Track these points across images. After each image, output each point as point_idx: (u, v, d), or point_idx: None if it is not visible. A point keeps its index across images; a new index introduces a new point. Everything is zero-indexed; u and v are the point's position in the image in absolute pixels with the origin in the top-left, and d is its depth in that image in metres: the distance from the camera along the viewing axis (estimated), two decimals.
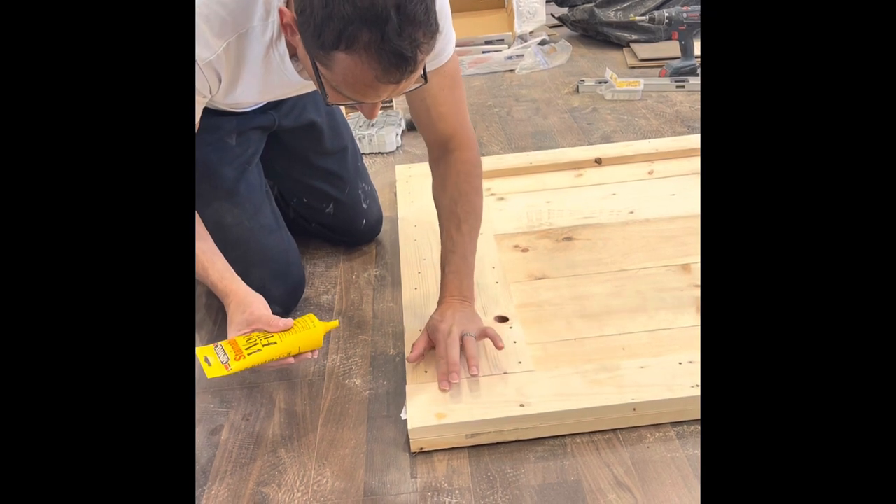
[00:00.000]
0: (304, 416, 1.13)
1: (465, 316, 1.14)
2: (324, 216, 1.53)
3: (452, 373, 1.07)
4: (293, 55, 1.02)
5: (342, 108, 2.23)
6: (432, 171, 1.23)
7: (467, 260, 1.18)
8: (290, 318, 1.05)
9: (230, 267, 1.10)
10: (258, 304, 1.06)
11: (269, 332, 1.02)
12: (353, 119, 2.15)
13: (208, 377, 0.98)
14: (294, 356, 1.04)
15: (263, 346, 1.00)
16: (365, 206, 1.54)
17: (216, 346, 1.01)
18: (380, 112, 2.28)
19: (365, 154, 2.03)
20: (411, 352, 1.14)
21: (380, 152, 2.06)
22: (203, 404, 1.17)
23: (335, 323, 1.11)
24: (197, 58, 0.97)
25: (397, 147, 2.07)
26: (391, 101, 2.28)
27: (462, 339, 1.10)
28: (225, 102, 1.14)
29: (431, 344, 1.14)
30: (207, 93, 1.04)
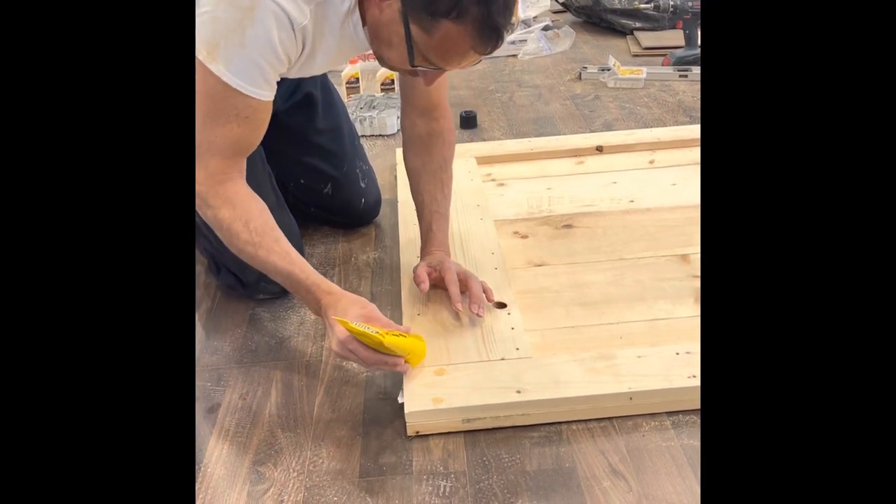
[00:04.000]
0: (302, 396, 1.13)
1: (456, 264, 1.23)
2: (322, 197, 1.52)
3: (478, 305, 1.16)
4: (364, 22, 1.04)
5: (343, 91, 2.22)
6: (413, 138, 1.30)
7: (448, 220, 1.30)
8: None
9: None
10: (373, 306, 1.08)
11: (390, 331, 1.03)
12: (354, 101, 2.15)
13: (373, 337, 0.98)
14: (406, 361, 1.06)
15: (395, 336, 1.02)
16: (363, 185, 1.54)
17: (358, 323, 1.01)
18: (381, 94, 2.27)
19: (365, 136, 2.03)
20: (420, 283, 1.19)
21: (380, 135, 2.05)
22: (200, 382, 1.17)
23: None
24: (292, 20, 0.98)
25: (398, 130, 2.06)
26: (394, 83, 2.27)
27: (467, 280, 1.19)
28: (290, 75, 1.13)
29: (435, 277, 1.20)
30: (289, 62, 1.03)
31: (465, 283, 1.19)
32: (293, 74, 1.12)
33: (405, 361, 1.05)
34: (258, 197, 1.11)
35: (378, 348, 1.01)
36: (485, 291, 1.19)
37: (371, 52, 1.07)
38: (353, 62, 2.27)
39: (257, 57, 0.98)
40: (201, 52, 0.97)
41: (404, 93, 1.30)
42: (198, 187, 1.06)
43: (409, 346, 1.05)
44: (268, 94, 1.04)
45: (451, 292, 1.17)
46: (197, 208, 1.08)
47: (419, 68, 1.00)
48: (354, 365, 1.18)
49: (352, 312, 1.04)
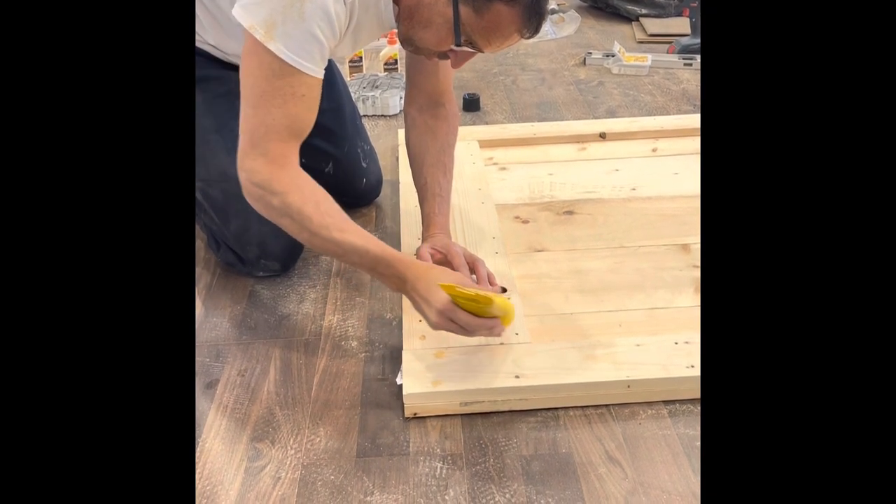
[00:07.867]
0: (300, 375, 1.13)
1: (461, 248, 1.23)
2: (323, 177, 1.51)
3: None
4: (396, 1, 1.04)
5: (346, 71, 2.20)
6: (417, 121, 1.31)
7: (449, 203, 1.31)
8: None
9: None
10: (459, 273, 1.08)
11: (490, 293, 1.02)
12: (357, 80, 2.13)
13: (482, 299, 0.98)
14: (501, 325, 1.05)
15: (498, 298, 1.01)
16: (364, 165, 1.54)
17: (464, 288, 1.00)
18: (384, 74, 2.26)
19: (367, 116, 2.02)
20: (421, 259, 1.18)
21: (382, 115, 2.04)
22: (199, 358, 1.17)
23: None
24: None
25: (400, 110, 2.05)
26: (396, 63, 2.25)
27: (475, 264, 1.18)
28: (334, 54, 1.11)
29: (439, 258, 1.19)
30: (339, 37, 1.03)
31: (472, 267, 1.19)
32: (338, 53, 1.10)
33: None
34: (314, 180, 1.08)
35: (479, 312, 1.00)
36: (489, 277, 1.19)
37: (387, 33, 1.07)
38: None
39: (315, 28, 0.97)
40: (258, 32, 0.96)
41: (411, 76, 1.30)
42: (255, 177, 1.02)
43: (508, 305, 1.03)
44: (321, 70, 1.02)
45: (464, 281, 1.16)
46: (254, 200, 1.04)
47: (462, 49, 1.01)
48: (353, 344, 1.19)
49: (446, 280, 1.03)
